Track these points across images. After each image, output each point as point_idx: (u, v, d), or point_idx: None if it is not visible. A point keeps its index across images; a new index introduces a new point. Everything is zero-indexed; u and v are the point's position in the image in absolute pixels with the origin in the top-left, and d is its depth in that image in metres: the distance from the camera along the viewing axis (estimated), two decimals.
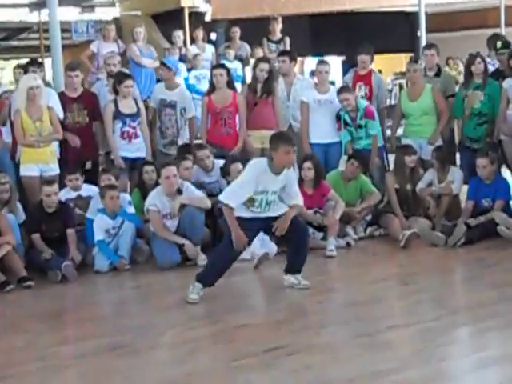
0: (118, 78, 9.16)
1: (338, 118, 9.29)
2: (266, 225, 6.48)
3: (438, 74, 9.68)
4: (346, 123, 9.23)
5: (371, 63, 9.94)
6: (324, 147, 9.25)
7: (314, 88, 9.50)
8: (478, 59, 8.97)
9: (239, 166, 8.26)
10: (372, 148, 9.26)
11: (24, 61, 9.81)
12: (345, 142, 9.31)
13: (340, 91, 9.31)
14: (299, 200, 6.64)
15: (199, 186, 8.54)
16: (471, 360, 4.82)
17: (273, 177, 6.33)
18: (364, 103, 9.30)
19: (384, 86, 10.24)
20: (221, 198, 6.40)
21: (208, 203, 8.00)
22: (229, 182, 8.33)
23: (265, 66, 9.40)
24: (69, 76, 8.96)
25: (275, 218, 6.45)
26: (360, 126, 9.22)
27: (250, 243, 6.52)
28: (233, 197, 6.30)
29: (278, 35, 12.78)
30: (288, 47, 12.33)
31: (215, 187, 8.68)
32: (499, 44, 9.75)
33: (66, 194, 8.33)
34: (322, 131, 9.25)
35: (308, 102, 9.37)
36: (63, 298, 6.98)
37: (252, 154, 8.93)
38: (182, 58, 12.07)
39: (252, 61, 11.24)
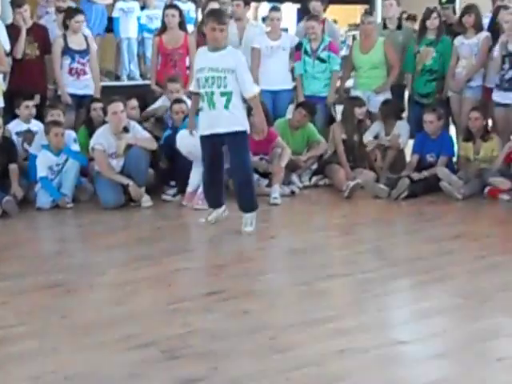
0: (69, 13, 9.01)
1: (298, 47, 9.26)
2: (220, 142, 6.55)
3: (399, 27, 9.67)
4: (305, 53, 9.21)
5: (325, 11, 9.80)
6: (273, 94, 9.19)
7: (266, 34, 9.41)
8: (434, 14, 8.98)
9: (183, 106, 8.20)
10: (331, 83, 9.28)
11: None
12: (296, 74, 9.29)
13: (307, 19, 9.30)
14: (251, 88, 6.47)
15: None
16: (408, 311, 4.90)
17: (209, 54, 6.46)
18: (328, 38, 9.28)
19: (338, 36, 10.19)
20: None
21: (154, 144, 7.96)
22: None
23: (215, 4, 9.32)
24: (18, 13, 8.77)
25: (227, 136, 6.47)
26: (321, 60, 9.20)
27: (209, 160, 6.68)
28: (193, 83, 6.66)
29: None
30: None
31: None
32: None
33: (15, 127, 8.24)
34: (272, 78, 9.19)
35: (260, 48, 9.29)
36: (3, 233, 6.89)
37: None
38: None
39: None
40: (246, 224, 6.66)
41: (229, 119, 6.43)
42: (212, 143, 6.56)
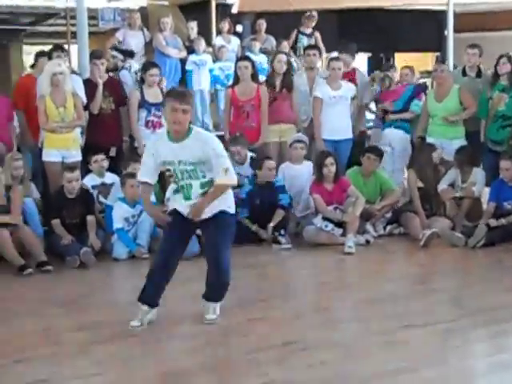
0: (144, 67, 9.21)
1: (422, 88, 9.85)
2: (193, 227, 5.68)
3: (479, 75, 9.60)
4: None
5: (353, 61, 10.25)
6: (334, 144, 9.20)
7: (327, 84, 9.40)
8: (503, 59, 8.92)
9: (273, 163, 8.33)
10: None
11: (49, 47, 9.77)
12: (413, 110, 9.72)
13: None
14: (225, 177, 5.34)
15: None
16: (487, 362, 4.80)
17: (170, 144, 5.35)
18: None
19: (368, 83, 10.26)
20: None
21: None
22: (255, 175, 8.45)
23: (283, 57, 9.44)
24: (94, 64, 8.98)
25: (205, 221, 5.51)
26: None
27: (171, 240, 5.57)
28: (142, 170, 5.60)
29: (310, 29, 12.66)
30: (320, 42, 12.22)
31: (241, 179, 8.72)
32: None
33: (90, 181, 8.38)
34: (333, 128, 9.22)
35: (322, 98, 9.30)
36: (81, 283, 6.99)
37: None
38: (194, 51, 11.80)
39: None
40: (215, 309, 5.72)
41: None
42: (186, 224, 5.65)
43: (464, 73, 9.61)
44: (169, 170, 5.48)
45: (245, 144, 8.82)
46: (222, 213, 5.49)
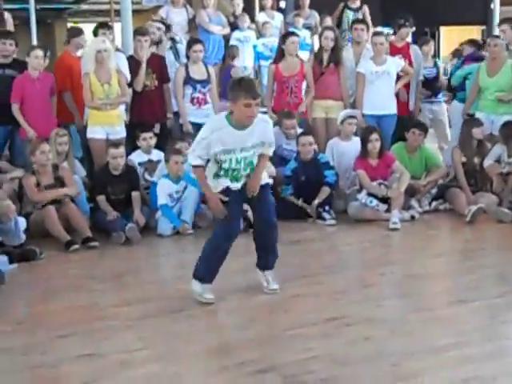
0: (188, 43, 9.22)
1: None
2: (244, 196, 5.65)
3: None
4: None
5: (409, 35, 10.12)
6: (376, 119, 9.12)
7: (371, 59, 9.31)
8: None
9: (308, 138, 8.27)
10: None
11: (91, 25, 9.78)
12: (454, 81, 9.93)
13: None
14: (270, 150, 5.64)
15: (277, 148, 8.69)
16: None
17: (234, 132, 5.38)
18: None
19: (422, 59, 10.08)
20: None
21: (273, 170, 7.99)
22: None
23: (330, 33, 9.33)
24: (138, 40, 8.99)
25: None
26: None
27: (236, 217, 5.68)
28: (196, 155, 5.46)
29: (358, 3, 12.51)
30: (368, 17, 12.08)
31: (290, 155, 8.71)
32: None
33: (137, 157, 8.43)
34: (375, 103, 9.13)
35: (365, 73, 9.22)
36: (126, 259, 7.04)
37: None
38: (238, 27, 11.78)
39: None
40: (268, 279, 5.89)
41: None
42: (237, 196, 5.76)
43: (507, 47, 9.46)
44: (219, 160, 5.45)
45: (297, 121, 8.82)
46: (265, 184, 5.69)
